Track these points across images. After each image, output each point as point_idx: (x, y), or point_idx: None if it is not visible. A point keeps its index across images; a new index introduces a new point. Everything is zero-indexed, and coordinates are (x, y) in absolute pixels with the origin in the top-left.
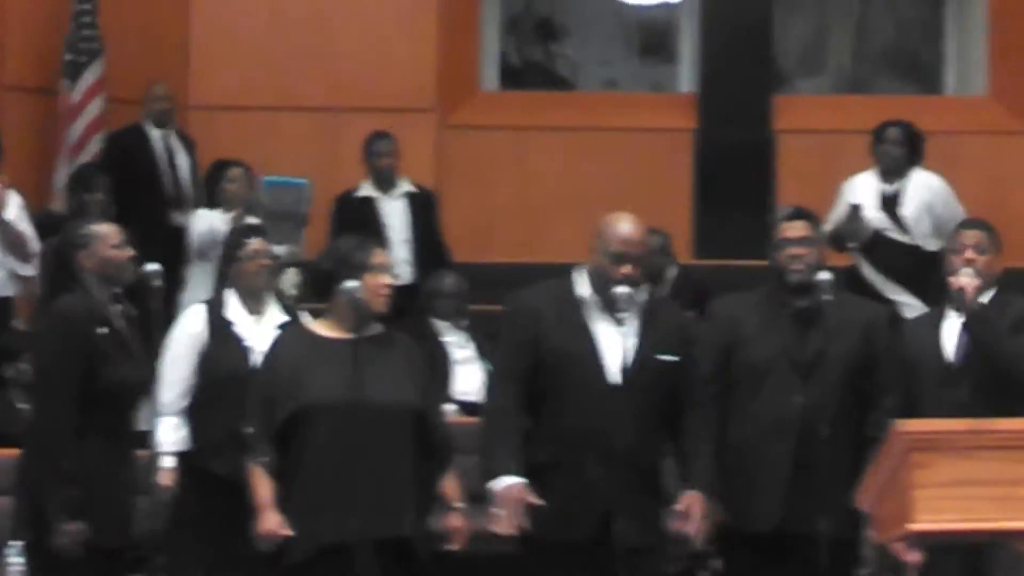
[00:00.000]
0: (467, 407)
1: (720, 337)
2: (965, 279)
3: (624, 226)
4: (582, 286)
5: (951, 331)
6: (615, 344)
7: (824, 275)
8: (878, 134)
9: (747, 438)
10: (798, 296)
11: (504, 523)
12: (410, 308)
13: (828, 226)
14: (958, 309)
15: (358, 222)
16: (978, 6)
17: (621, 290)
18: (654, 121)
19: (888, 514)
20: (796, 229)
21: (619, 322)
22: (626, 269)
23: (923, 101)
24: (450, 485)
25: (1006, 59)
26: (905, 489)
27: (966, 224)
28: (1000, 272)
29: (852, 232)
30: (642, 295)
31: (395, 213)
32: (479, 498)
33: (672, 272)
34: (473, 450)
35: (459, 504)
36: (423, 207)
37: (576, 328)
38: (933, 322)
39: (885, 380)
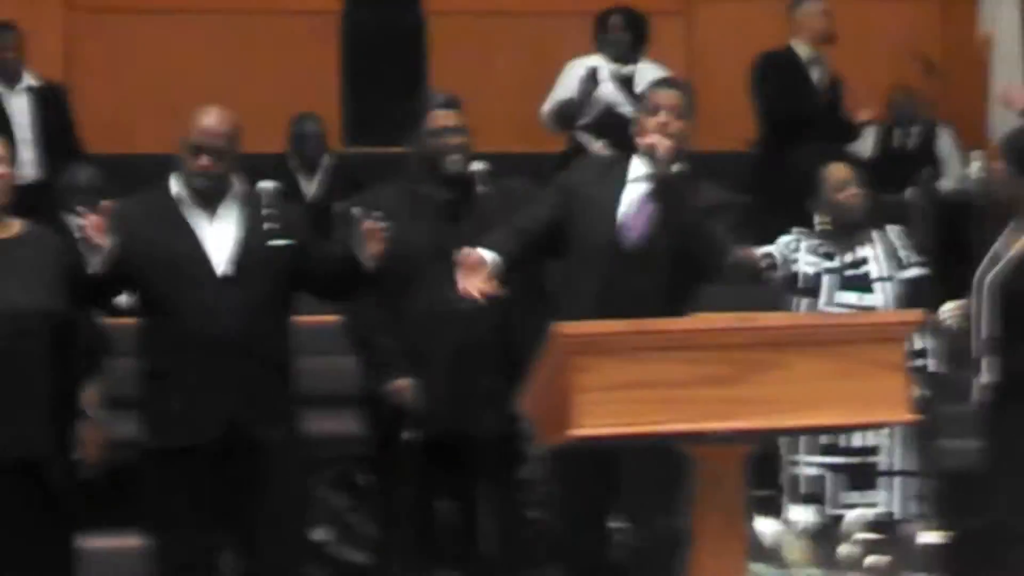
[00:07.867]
0: None
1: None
2: (657, 138)
3: (205, 118)
4: (175, 184)
5: (630, 202)
6: (219, 237)
7: (479, 165)
8: (602, 20)
9: (406, 333)
10: (449, 187)
11: None
12: (42, 206)
13: (549, 105)
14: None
15: None
16: None
17: None
18: (299, 3)
19: (550, 419)
20: (450, 118)
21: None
22: (204, 162)
23: None
24: (90, 394)
25: None
26: (566, 393)
27: (662, 83)
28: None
29: (583, 99)
30: (239, 185)
31: (19, 109)
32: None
33: (327, 160)
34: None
35: (93, 413)
36: (50, 102)
37: (174, 226)
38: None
39: None
